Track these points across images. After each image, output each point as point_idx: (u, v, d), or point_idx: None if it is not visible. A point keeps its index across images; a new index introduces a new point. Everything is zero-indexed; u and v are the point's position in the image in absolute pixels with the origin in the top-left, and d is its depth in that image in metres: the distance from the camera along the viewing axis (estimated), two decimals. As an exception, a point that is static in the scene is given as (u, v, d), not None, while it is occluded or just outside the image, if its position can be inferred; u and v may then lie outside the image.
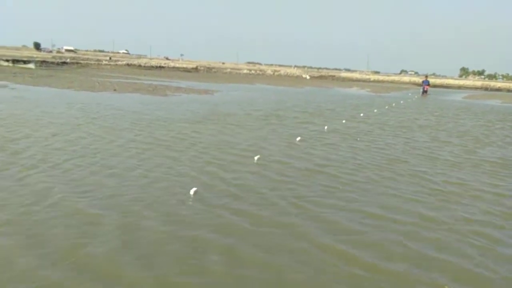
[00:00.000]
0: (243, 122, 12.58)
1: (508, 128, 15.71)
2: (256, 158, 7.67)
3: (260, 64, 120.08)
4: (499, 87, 66.17)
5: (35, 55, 57.56)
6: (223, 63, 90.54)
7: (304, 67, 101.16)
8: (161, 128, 10.53)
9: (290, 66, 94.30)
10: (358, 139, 10.79)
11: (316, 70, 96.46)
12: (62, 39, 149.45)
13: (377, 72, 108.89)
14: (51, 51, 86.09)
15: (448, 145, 10.78)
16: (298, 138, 9.99)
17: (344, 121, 14.18)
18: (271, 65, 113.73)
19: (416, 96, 34.30)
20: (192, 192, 5.59)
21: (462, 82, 74.26)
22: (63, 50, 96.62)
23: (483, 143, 11.55)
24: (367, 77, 76.85)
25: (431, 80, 48.64)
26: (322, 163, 7.82)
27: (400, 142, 10.76)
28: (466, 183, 7.08)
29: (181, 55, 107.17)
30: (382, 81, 70.33)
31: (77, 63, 51.52)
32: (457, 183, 7.04)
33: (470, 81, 78.00)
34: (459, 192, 6.47)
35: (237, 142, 9.26)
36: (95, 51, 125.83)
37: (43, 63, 45.10)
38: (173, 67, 62.87)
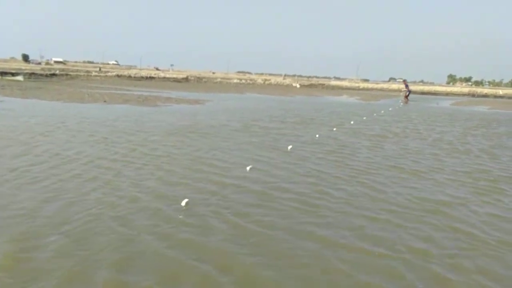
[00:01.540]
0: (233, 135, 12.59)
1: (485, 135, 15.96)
2: (248, 168, 7.73)
3: (250, 73, 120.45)
4: (485, 93, 67.25)
5: (23, 67, 57.11)
6: (213, 73, 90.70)
7: (294, 75, 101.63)
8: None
9: (281, 75, 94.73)
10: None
11: (306, 78, 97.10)
12: (51, 51, 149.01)
13: (366, 80, 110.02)
14: (40, 63, 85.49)
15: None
16: (290, 147, 10.21)
17: (334, 129, 14.36)
18: (262, 74, 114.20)
19: (401, 104, 34.49)
20: (183, 203, 5.59)
21: (449, 89, 75.29)
22: (52, 62, 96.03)
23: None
24: (357, 85, 77.56)
25: (420, 87, 49.57)
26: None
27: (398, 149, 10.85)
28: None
29: (171, 65, 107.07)
30: (371, 89, 70.98)
31: (67, 74, 51.21)
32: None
33: (457, 88, 79.21)
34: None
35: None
36: (84, 62, 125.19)
37: (31, 75, 44.69)
38: (164, 78, 62.80)
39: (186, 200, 5.65)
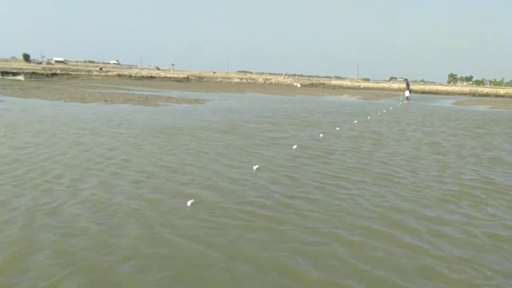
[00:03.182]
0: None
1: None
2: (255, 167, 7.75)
3: (251, 72, 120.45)
4: (486, 92, 67.12)
5: (24, 67, 57.19)
6: (214, 72, 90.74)
7: (295, 75, 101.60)
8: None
9: (281, 75, 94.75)
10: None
11: (307, 78, 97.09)
12: (52, 50, 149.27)
13: (367, 79, 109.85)
14: (40, 63, 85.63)
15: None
16: (295, 146, 10.24)
17: (337, 128, 14.43)
18: (262, 73, 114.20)
19: (400, 103, 34.17)
20: (189, 203, 5.58)
21: (450, 88, 75.20)
22: (53, 61, 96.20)
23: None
24: (357, 84, 77.53)
25: (421, 87, 49.53)
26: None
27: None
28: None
29: (172, 64, 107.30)
30: (372, 88, 70.95)
31: (67, 74, 51.28)
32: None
33: (458, 87, 79.10)
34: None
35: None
36: (85, 61, 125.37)
37: (32, 74, 44.77)
38: (164, 77, 62.86)
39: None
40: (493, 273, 4.16)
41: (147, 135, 10.96)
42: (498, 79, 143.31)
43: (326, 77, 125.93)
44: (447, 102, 41.13)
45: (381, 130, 14.84)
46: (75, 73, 53.79)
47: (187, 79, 63.27)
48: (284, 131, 13.32)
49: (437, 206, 6.15)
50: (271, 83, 68.27)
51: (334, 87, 69.27)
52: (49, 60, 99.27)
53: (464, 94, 64.94)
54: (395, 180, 7.51)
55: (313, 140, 11.57)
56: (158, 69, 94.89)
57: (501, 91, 68.75)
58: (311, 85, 69.67)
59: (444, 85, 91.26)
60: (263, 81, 69.99)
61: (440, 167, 8.83)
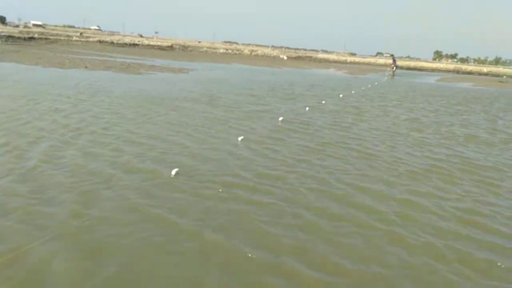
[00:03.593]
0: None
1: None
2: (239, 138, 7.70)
3: (237, 43, 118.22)
4: (470, 70, 67.86)
5: (0, 30, 54.64)
6: (199, 42, 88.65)
7: (281, 47, 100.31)
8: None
9: (268, 46, 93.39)
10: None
11: (293, 50, 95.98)
12: (29, 13, 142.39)
13: (353, 54, 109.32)
14: (17, 26, 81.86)
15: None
16: (281, 118, 10.15)
17: (323, 102, 14.41)
18: (248, 44, 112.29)
19: (385, 78, 34.35)
20: (173, 172, 5.51)
21: (435, 65, 75.70)
22: (31, 25, 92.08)
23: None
24: (344, 58, 77.16)
25: (406, 63, 49.78)
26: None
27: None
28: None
29: (156, 32, 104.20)
30: (359, 63, 70.75)
31: (46, 38, 49.28)
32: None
33: (443, 64, 79.68)
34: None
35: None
36: (64, 26, 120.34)
37: (9, 38, 42.89)
38: (148, 45, 61.12)
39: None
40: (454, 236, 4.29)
41: (130, 104, 10.71)
42: (482, 58, 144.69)
43: (313, 50, 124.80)
44: (432, 79, 41.42)
45: (363, 105, 14.89)
46: (54, 37, 51.71)
47: (171, 47, 61.67)
48: (268, 104, 13.21)
49: (407, 181, 6.22)
50: (257, 55, 67.28)
51: (321, 60, 68.80)
52: (26, 23, 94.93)
53: (449, 71, 65.51)
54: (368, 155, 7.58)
55: (296, 115, 11.53)
56: (141, 36, 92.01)
57: (484, 69, 69.61)
58: (298, 58, 68.97)
59: (429, 62, 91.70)
60: (249, 53, 68.88)
61: (416, 143, 8.93)
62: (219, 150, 6.89)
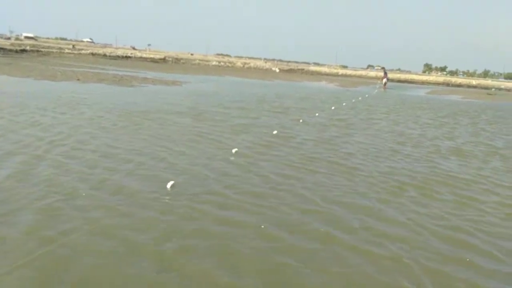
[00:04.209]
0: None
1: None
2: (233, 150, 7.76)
3: (229, 56, 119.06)
4: (459, 83, 68.89)
5: (-9, 42, 54.43)
6: (192, 54, 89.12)
7: (273, 60, 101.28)
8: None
9: (260, 59, 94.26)
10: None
11: (285, 63, 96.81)
12: (21, 26, 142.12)
13: (345, 67, 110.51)
14: (9, 38, 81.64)
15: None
16: (275, 132, 10.20)
17: (317, 114, 14.56)
18: (241, 57, 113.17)
19: (376, 91, 34.34)
20: (169, 186, 5.50)
21: (425, 77, 76.81)
22: (22, 37, 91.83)
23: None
24: (336, 71, 77.93)
25: (397, 75, 50.47)
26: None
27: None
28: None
29: (148, 45, 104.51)
30: (350, 76, 71.49)
31: (38, 51, 49.22)
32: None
33: (433, 77, 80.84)
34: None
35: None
36: (56, 38, 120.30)
37: (0, 50, 42.76)
38: (140, 57, 61.30)
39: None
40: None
41: (122, 117, 10.69)
42: (471, 70, 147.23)
43: (305, 62, 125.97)
44: (422, 92, 41.94)
45: (351, 117, 15.01)
46: (46, 50, 51.66)
47: (163, 60, 61.90)
48: (260, 117, 13.26)
49: (382, 194, 6.17)
50: (249, 67, 67.75)
51: (313, 73, 69.42)
52: (18, 35, 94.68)
53: (438, 84, 66.42)
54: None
55: (287, 129, 11.60)
56: (134, 48, 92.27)
57: (473, 81, 70.73)
58: (290, 70, 69.52)
59: (419, 75, 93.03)
60: (241, 65, 69.33)
61: (394, 155, 8.94)
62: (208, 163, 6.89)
